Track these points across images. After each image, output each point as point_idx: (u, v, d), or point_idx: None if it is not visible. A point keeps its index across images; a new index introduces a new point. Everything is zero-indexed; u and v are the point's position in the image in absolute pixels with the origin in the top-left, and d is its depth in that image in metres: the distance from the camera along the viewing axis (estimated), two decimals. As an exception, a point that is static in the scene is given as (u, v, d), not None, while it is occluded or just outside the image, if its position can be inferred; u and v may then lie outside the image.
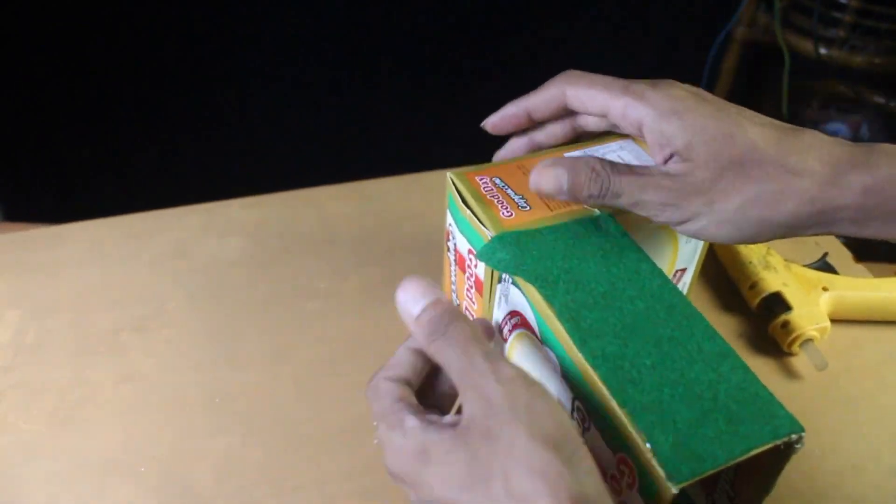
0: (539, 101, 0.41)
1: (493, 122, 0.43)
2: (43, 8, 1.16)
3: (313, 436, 0.46)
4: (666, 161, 0.36)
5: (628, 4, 1.32)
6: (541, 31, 1.34)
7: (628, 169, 0.36)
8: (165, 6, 1.20)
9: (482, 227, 0.38)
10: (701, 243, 0.46)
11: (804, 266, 0.56)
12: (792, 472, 0.45)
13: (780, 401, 0.30)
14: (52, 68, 1.23)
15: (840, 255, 0.62)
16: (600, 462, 0.31)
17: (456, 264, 0.44)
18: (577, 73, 0.40)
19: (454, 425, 0.28)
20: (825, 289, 0.54)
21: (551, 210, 0.39)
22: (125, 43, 1.23)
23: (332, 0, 1.25)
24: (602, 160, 0.37)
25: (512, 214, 0.39)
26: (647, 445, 0.28)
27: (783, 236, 0.36)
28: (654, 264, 0.36)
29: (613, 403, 0.30)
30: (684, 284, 0.49)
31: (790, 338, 0.51)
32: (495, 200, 0.40)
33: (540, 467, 0.25)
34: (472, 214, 0.39)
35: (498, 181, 0.41)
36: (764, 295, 0.53)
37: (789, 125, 0.36)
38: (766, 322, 0.53)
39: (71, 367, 0.50)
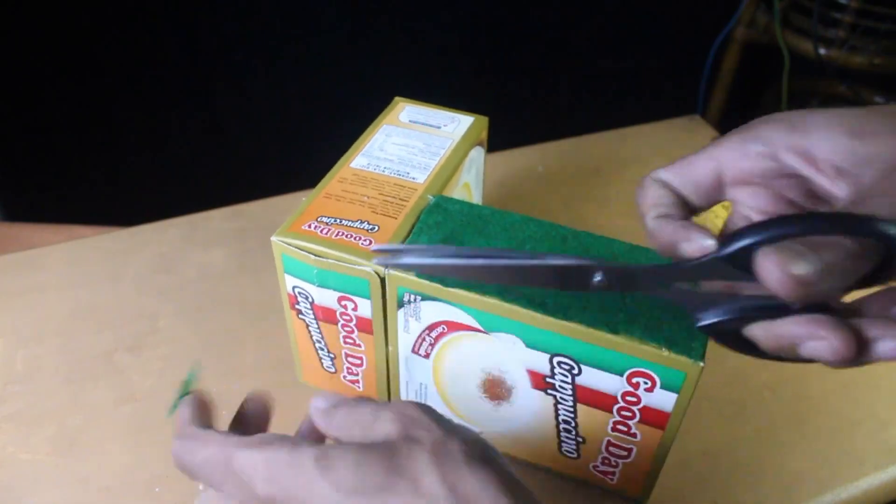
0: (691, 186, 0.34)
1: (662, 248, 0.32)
2: (43, 9, 1.15)
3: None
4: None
5: (629, 5, 1.34)
6: (541, 32, 1.36)
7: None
8: (163, 13, 1.21)
9: (358, 267, 0.38)
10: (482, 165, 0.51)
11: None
12: (792, 433, 0.47)
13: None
14: (53, 69, 1.21)
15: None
16: (605, 394, 0.36)
17: (320, 320, 0.42)
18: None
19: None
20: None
21: (396, 218, 0.40)
22: (124, 44, 1.22)
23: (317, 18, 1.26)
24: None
25: (370, 241, 0.39)
26: (663, 350, 0.33)
27: None
28: (517, 214, 0.40)
29: (610, 337, 0.34)
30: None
31: None
32: (344, 237, 0.39)
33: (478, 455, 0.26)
34: (336, 262, 0.38)
35: (327, 219, 0.40)
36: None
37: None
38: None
39: (66, 393, 0.49)
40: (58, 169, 1.32)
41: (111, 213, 0.61)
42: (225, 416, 0.47)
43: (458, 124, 0.48)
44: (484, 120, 0.49)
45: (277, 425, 0.47)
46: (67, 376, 0.50)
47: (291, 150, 1.34)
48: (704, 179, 0.33)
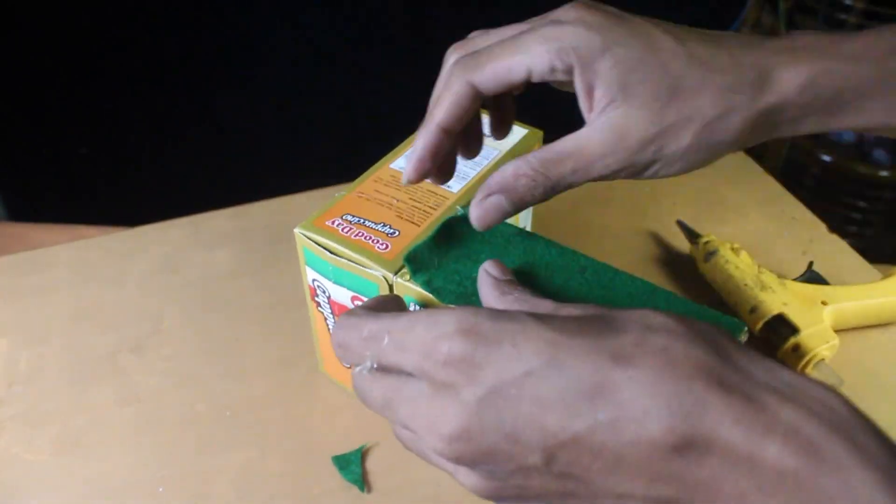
0: (448, 115, 0.33)
1: (410, 177, 0.34)
2: (46, 8, 1.15)
3: (332, 442, 0.46)
4: (601, 109, 0.32)
5: (633, 6, 1.33)
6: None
7: (559, 151, 0.32)
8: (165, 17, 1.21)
9: (368, 270, 0.38)
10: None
11: (795, 280, 0.54)
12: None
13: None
14: (57, 69, 1.21)
15: (825, 257, 0.62)
16: None
17: (335, 315, 0.43)
18: (468, 57, 0.34)
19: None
20: (824, 303, 0.51)
21: (419, 225, 0.40)
22: (130, 43, 1.22)
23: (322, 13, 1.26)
24: (526, 159, 0.32)
25: (387, 246, 0.38)
26: None
27: (729, 152, 0.34)
28: (541, 237, 0.39)
29: None
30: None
31: (803, 361, 0.48)
32: (362, 238, 0.39)
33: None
34: (348, 262, 0.38)
35: (351, 217, 0.40)
36: (767, 318, 0.50)
37: (703, 32, 0.35)
38: (772, 346, 0.50)
39: (70, 394, 0.49)
40: (62, 169, 1.32)
41: (115, 213, 0.61)
42: (227, 417, 0.47)
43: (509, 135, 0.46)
44: (538, 133, 0.48)
45: (279, 425, 0.47)
46: (71, 377, 0.50)
47: (295, 150, 1.34)
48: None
